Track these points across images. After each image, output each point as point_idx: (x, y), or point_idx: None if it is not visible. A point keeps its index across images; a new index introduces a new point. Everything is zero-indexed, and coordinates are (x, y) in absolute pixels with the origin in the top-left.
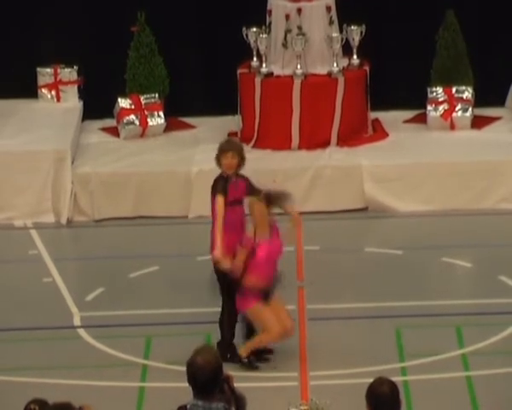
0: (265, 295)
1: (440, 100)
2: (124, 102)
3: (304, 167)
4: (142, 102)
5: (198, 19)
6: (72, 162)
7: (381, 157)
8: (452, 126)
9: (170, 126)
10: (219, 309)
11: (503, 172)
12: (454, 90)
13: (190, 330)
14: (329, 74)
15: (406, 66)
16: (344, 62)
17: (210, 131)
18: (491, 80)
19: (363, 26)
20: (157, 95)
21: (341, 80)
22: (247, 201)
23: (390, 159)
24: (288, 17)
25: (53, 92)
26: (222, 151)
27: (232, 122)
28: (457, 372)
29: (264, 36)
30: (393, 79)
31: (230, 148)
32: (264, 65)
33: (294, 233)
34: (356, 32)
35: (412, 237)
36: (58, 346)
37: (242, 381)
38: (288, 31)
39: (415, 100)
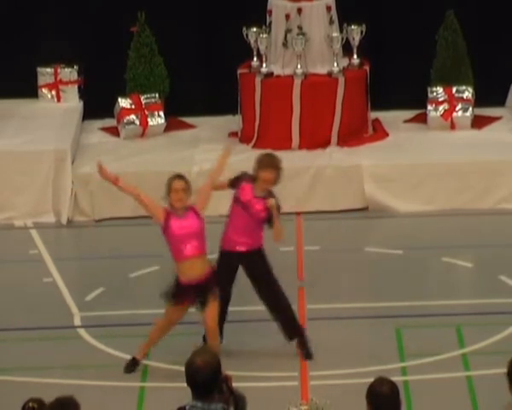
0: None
1: (440, 100)
2: (124, 102)
3: (304, 167)
4: (143, 102)
5: (198, 19)
6: (73, 162)
7: (381, 157)
8: (452, 126)
9: (170, 126)
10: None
11: (503, 172)
12: (454, 89)
13: (191, 330)
14: (330, 74)
15: (406, 66)
16: (344, 62)
17: (210, 130)
18: (492, 80)
19: (364, 26)
20: (157, 95)
21: (341, 80)
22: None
23: (390, 159)
24: (288, 17)
25: (53, 92)
26: (261, 166)
27: (232, 122)
28: (458, 372)
29: (265, 36)
30: (394, 78)
31: (271, 164)
32: (264, 65)
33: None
34: (356, 32)
35: (412, 236)
36: (58, 346)
37: (242, 381)
38: (288, 30)
39: (415, 100)
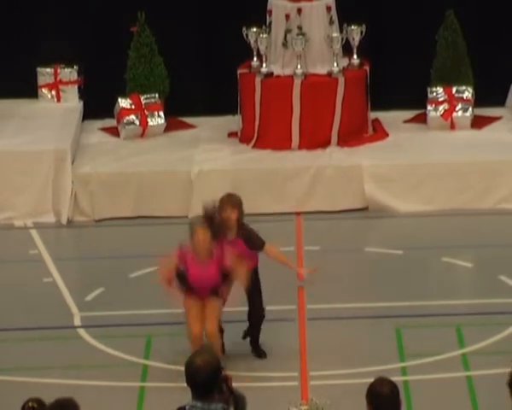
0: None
1: (440, 100)
2: (124, 102)
3: (304, 167)
4: (143, 102)
5: (198, 19)
6: (73, 162)
7: (381, 157)
8: (452, 126)
9: (170, 126)
10: None
11: (503, 172)
12: (454, 90)
13: None
14: (329, 74)
15: (406, 66)
16: (344, 62)
17: (210, 131)
18: (491, 80)
19: (364, 26)
20: (157, 95)
21: (341, 80)
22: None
23: (390, 159)
24: (288, 17)
25: (53, 92)
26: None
27: (232, 122)
28: (458, 372)
29: (265, 36)
30: (393, 78)
31: (228, 201)
32: (264, 65)
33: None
34: (356, 32)
35: (412, 236)
36: (58, 346)
37: (243, 381)
38: (288, 31)
39: (415, 100)
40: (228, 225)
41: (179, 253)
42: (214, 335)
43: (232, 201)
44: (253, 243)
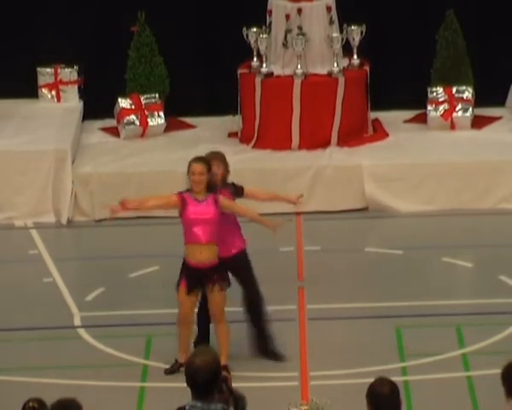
0: (192, 282)
1: (440, 100)
2: (124, 102)
3: (304, 167)
4: (143, 102)
5: (198, 19)
6: (73, 162)
7: (381, 157)
8: (452, 126)
9: (170, 126)
10: None
11: (503, 172)
12: (454, 90)
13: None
14: (330, 74)
15: (406, 66)
16: (344, 62)
17: (210, 131)
18: (492, 80)
19: (364, 26)
20: (157, 95)
21: (341, 80)
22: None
23: (390, 159)
24: (288, 17)
25: (53, 92)
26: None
27: (232, 122)
28: (458, 372)
29: (265, 36)
30: (394, 78)
31: (214, 157)
32: (264, 65)
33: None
34: (356, 32)
35: (412, 236)
36: (58, 346)
37: (243, 381)
38: (288, 31)
39: (415, 100)
40: (214, 181)
41: (179, 195)
42: (221, 315)
43: (218, 157)
44: (237, 190)
